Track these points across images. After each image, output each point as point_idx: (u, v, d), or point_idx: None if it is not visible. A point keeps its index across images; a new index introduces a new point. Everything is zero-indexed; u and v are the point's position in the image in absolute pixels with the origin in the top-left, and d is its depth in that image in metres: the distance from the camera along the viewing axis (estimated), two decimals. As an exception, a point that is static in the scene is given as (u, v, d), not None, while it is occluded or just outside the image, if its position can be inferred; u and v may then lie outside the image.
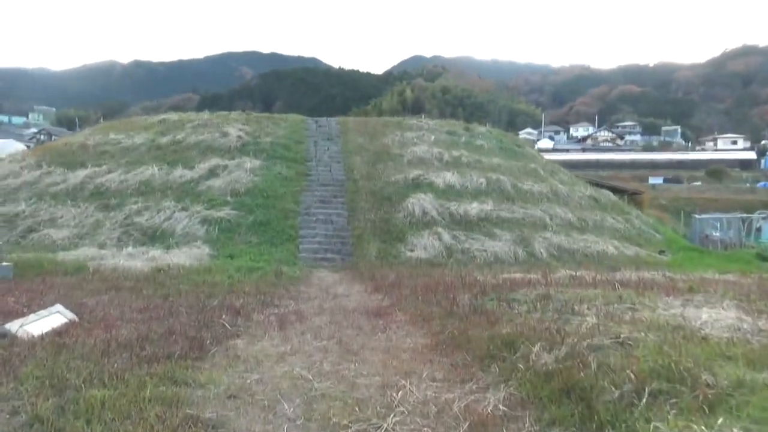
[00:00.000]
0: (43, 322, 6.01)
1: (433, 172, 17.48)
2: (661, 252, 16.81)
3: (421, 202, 15.41)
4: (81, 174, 16.63)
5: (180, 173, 16.52)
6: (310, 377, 4.85)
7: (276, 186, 15.94)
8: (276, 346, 5.90)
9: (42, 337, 5.53)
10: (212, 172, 16.49)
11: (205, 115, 21.67)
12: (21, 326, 5.67)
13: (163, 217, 14.30)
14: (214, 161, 16.99)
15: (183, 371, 4.73)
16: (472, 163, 18.91)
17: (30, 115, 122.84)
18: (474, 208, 15.66)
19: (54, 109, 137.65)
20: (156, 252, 12.33)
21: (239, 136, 18.82)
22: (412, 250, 13.49)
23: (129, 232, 13.81)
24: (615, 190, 25.36)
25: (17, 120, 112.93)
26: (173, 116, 21.90)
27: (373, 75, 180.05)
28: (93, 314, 6.70)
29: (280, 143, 18.95)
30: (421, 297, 8.56)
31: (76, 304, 7.28)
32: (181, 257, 12.14)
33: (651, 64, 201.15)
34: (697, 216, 25.48)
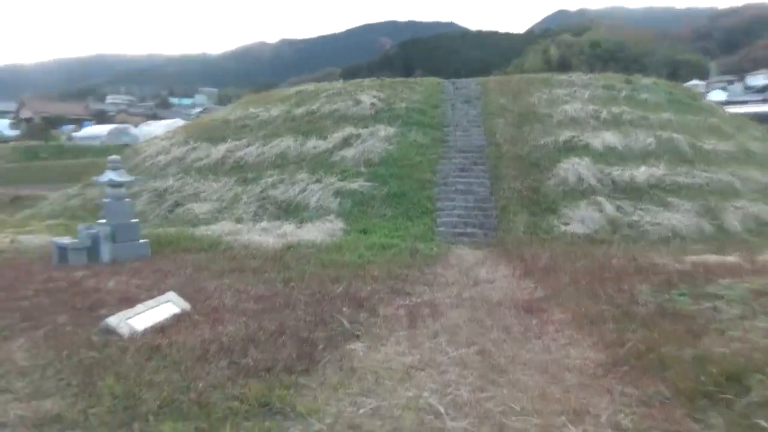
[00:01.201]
0: (150, 313, 5.44)
1: (589, 132, 15.14)
2: None
3: (575, 168, 13.32)
4: (222, 148, 16.85)
5: (314, 144, 16.03)
6: (442, 410, 3.61)
7: (411, 154, 14.79)
8: (402, 354, 4.73)
9: (144, 334, 4.91)
10: (345, 142, 15.76)
11: (339, 83, 21.09)
12: (125, 319, 5.10)
13: (297, 190, 13.87)
14: (348, 130, 16.24)
15: (283, 392, 3.74)
16: (636, 120, 16.15)
17: (196, 96, 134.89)
18: (642, 173, 13.20)
19: (216, 90, 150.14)
20: (288, 227, 11.85)
21: (372, 104, 17.89)
22: (566, 224, 11.60)
23: (264, 206, 13.57)
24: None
25: (186, 101, 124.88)
26: (309, 87, 21.61)
27: (514, 35, 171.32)
28: (207, 303, 6.06)
29: (415, 108, 17.71)
30: (584, 287, 6.89)
31: (196, 288, 6.75)
32: (313, 232, 11.53)
33: None
34: None
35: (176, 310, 5.64)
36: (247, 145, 16.96)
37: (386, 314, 5.92)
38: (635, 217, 11.69)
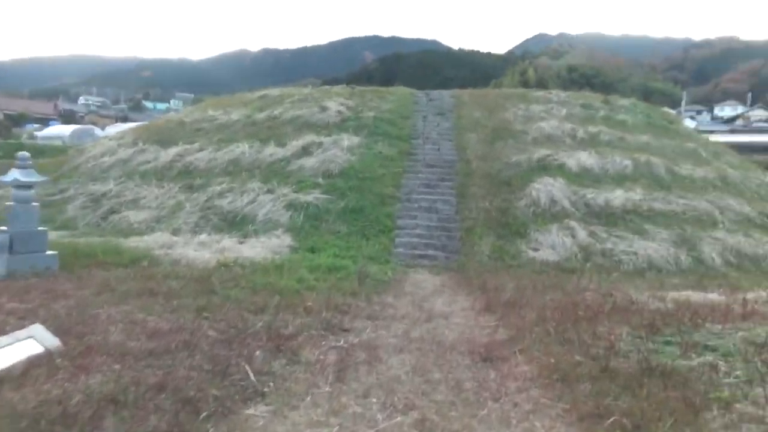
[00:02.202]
0: (2, 353, 4.19)
1: (564, 151, 14.30)
2: None
3: (548, 188, 12.41)
4: (172, 152, 15.54)
5: (271, 151, 14.84)
6: None
7: (374, 167, 13.72)
8: (316, 424, 3.58)
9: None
10: (305, 150, 14.62)
11: (307, 90, 20.00)
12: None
13: (246, 201, 12.64)
14: (309, 138, 15.12)
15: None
16: (613, 141, 15.41)
17: (172, 102, 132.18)
18: (617, 196, 12.36)
19: (192, 96, 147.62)
20: (229, 242, 10.62)
21: (339, 111, 16.83)
22: (536, 249, 10.63)
23: (208, 217, 12.30)
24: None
25: (161, 106, 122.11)
26: (274, 91, 20.46)
27: (495, 55, 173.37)
28: (84, 340, 4.81)
29: (384, 118, 16.69)
30: (553, 328, 5.84)
31: (82, 318, 5.48)
32: (256, 248, 10.33)
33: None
34: None
35: (37, 350, 4.39)
36: (199, 150, 15.70)
37: (310, 360, 4.76)
38: (609, 245, 10.77)
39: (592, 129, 15.83)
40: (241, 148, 15.22)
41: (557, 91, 19.68)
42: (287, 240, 10.93)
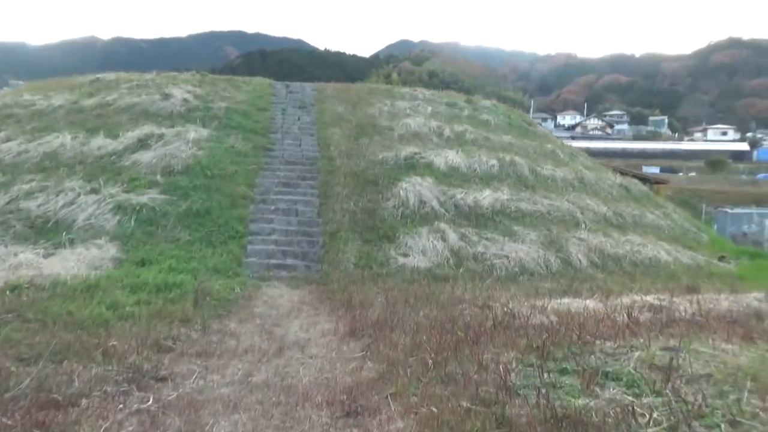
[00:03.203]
0: None
1: (432, 149, 13.66)
2: (722, 258, 13.24)
3: (417, 188, 11.60)
4: (-34, 142, 12.52)
5: (99, 143, 12.48)
6: None
7: (225, 163, 12.00)
8: None
9: None
10: (142, 143, 12.48)
11: (150, 75, 17.52)
12: None
13: (61, 202, 10.31)
14: (147, 129, 12.96)
15: None
16: (479, 140, 15.12)
17: (4, 89, 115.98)
18: (486, 197, 11.90)
19: (22, 83, 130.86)
20: (31, 255, 8.39)
21: (185, 99, 14.78)
22: (405, 255, 9.69)
23: (9, 223, 9.80)
24: (636, 179, 21.73)
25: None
26: (109, 75, 17.71)
27: (360, 57, 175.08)
28: None
29: (238, 110, 14.95)
30: (431, 358, 4.77)
31: None
32: (67, 263, 8.24)
33: (637, 55, 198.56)
34: (728, 210, 22.07)
35: None
36: (6, 140, 12.85)
37: (91, 441, 3.19)
38: (480, 248, 10.17)
39: (458, 127, 15.43)
40: (62, 139, 12.68)
41: (422, 89, 19.23)
42: (111, 251, 8.91)
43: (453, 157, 13.38)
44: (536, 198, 12.66)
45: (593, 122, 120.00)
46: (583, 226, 12.06)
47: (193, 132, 13.02)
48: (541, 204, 12.40)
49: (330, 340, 5.68)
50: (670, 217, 15.61)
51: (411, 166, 12.68)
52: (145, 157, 11.95)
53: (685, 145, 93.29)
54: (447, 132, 14.93)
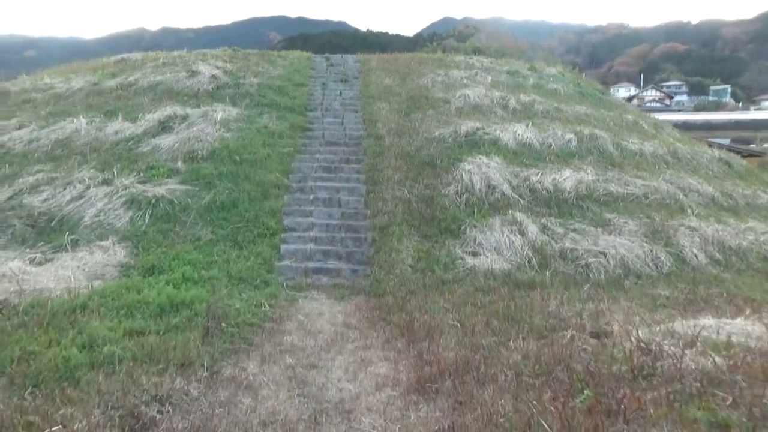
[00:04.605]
0: None
1: (496, 124, 11.58)
2: None
3: (483, 170, 9.60)
4: (-25, 130, 11.28)
5: (116, 127, 11.01)
6: None
7: (256, 145, 10.30)
8: None
9: None
10: (164, 126, 10.94)
11: (179, 53, 16.02)
12: None
13: (69, 196, 8.86)
14: (170, 110, 11.41)
15: None
16: (550, 111, 12.91)
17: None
18: (567, 178, 9.79)
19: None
20: (19, 263, 6.89)
21: (214, 76, 13.16)
22: (475, 254, 7.76)
23: (9, 221, 8.41)
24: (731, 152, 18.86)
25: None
26: (137, 55, 16.32)
27: (403, 37, 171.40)
28: None
29: (272, 86, 13.23)
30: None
31: None
32: (64, 271, 6.75)
33: (694, 21, 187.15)
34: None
35: None
36: (18, 128, 11.56)
37: None
38: (568, 243, 8.11)
39: (524, 98, 13.25)
40: (77, 124, 11.29)
41: (479, 57, 17.00)
42: (119, 254, 7.37)
43: (522, 131, 11.27)
44: (627, 178, 10.44)
45: (651, 94, 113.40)
46: (690, 211, 9.79)
47: (221, 111, 11.38)
48: (633, 185, 10.18)
49: (388, 397, 3.87)
50: (785, 196, 13.01)
51: (473, 144, 10.66)
52: (166, 141, 10.39)
53: (753, 115, 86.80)
54: (512, 103, 12.78)
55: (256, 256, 7.37)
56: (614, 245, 8.05)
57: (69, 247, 7.63)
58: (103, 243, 7.68)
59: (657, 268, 7.81)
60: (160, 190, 8.78)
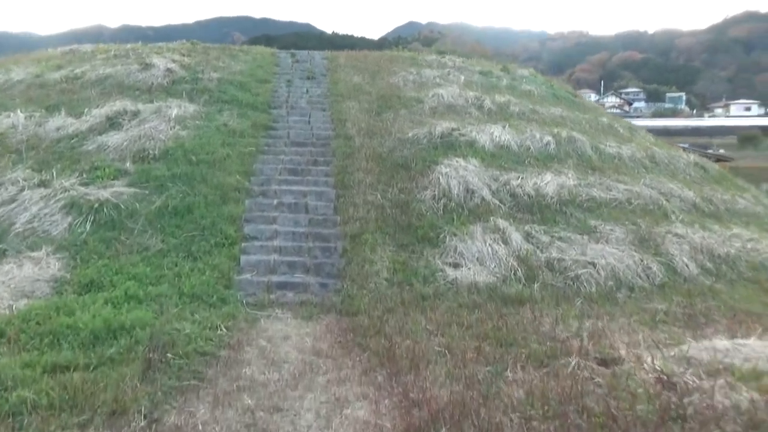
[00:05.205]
0: None
1: (472, 125, 11.00)
2: None
3: (460, 173, 8.98)
4: None
5: (58, 123, 9.98)
6: None
7: (215, 145, 9.42)
8: None
9: None
10: (112, 122, 9.96)
11: (132, 45, 14.95)
12: None
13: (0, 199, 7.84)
14: (119, 105, 10.43)
15: None
16: (526, 113, 12.42)
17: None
18: (549, 182, 9.25)
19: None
20: (-71, 278, 5.90)
21: (169, 70, 12.19)
22: (456, 265, 7.11)
23: (-74, 229, 7.35)
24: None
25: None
26: (86, 47, 15.17)
27: (369, 40, 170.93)
28: None
29: (233, 81, 12.35)
30: None
31: None
32: (-17, 289, 5.76)
33: (651, 31, 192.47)
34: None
35: None
36: (-54, 123, 10.34)
37: None
38: (555, 252, 7.55)
39: (499, 98, 12.73)
40: (13, 119, 10.20)
41: (451, 56, 16.44)
42: (52, 267, 6.43)
43: (499, 133, 10.71)
44: (608, 182, 9.98)
45: (611, 100, 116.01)
46: (674, 217, 9.38)
47: (177, 108, 10.46)
48: (616, 190, 9.72)
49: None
50: (761, 201, 12.85)
51: (449, 146, 10.04)
52: (114, 139, 9.42)
53: (709, 122, 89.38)
54: (488, 104, 12.24)
55: (212, 269, 6.53)
56: (603, 255, 7.51)
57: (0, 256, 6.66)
58: (35, 254, 6.72)
59: (649, 279, 7.30)
60: (105, 194, 7.84)
